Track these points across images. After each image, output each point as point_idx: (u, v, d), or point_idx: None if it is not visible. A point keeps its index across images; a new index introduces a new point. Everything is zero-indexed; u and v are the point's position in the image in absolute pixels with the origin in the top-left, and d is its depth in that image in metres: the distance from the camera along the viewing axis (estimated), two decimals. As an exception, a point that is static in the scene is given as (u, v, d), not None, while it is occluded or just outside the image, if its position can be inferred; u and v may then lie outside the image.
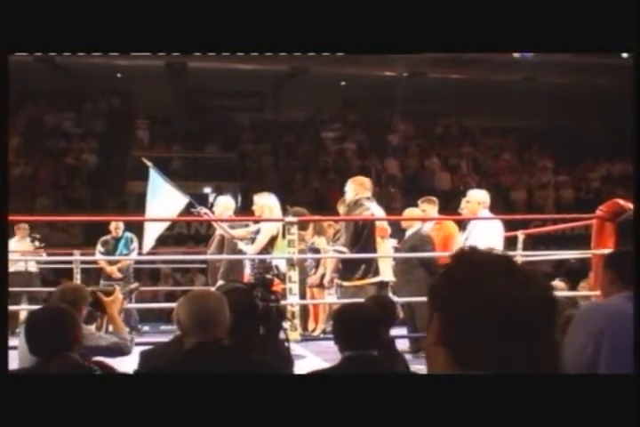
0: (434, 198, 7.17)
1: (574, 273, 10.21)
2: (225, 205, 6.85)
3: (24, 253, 9.48)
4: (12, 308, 8.19)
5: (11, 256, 9.25)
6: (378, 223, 6.24)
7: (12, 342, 5.31)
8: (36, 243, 9.41)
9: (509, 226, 7.03)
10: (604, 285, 2.67)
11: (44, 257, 9.62)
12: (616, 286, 2.57)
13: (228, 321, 2.49)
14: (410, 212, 7.14)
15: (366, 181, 6.37)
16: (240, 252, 6.23)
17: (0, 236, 2.74)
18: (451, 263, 1.16)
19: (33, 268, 9.31)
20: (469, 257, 1.16)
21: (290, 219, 6.11)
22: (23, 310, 7.57)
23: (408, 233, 6.88)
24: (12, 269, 9.20)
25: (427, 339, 1.15)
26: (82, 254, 9.19)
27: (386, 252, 6.43)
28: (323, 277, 7.17)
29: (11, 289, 9.01)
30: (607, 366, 2.31)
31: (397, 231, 7.56)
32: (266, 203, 6.21)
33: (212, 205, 6.98)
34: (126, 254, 8.69)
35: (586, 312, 2.58)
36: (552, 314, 1.11)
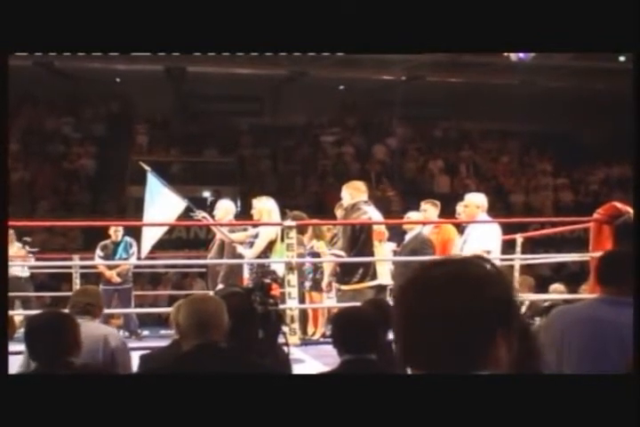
0: (437, 202, 7.18)
1: (574, 276, 10.21)
2: (226, 209, 6.85)
3: (12, 258, 9.43)
4: (16, 313, 8.22)
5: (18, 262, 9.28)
6: (375, 227, 6.24)
7: (10, 346, 5.30)
8: (27, 247, 9.37)
9: (508, 229, 7.03)
10: (590, 286, 2.72)
11: (43, 262, 9.60)
12: (598, 287, 2.57)
13: (226, 325, 2.49)
14: (411, 215, 7.15)
15: (360, 185, 6.38)
16: (240, 256, 6.24)
17: (0, 240, 2.74)
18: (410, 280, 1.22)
19: (21, 273, 9.26)
20: (429, 264, 1.21)
21: (288, 223, 6.11)
22: (18, 315, 7.56)
23: (408, 236, 6.88)
24: None
25: None
26: (81, 259, 9.18)
27: (383, 255, 6.43)
28: (320, 280, 7.16)
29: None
30: (569, 368, 2.32)
31: (396, 235, 7.56)
32: (264, 207, 6.22)
33: (212, 208, 6.98)
34: (125, 259, 8.69)
35: (551, 317, 2.59)
36: (501, 317, 1.14)
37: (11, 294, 8.84)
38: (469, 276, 1.15)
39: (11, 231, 9.33)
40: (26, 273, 9.32)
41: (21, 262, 9.33)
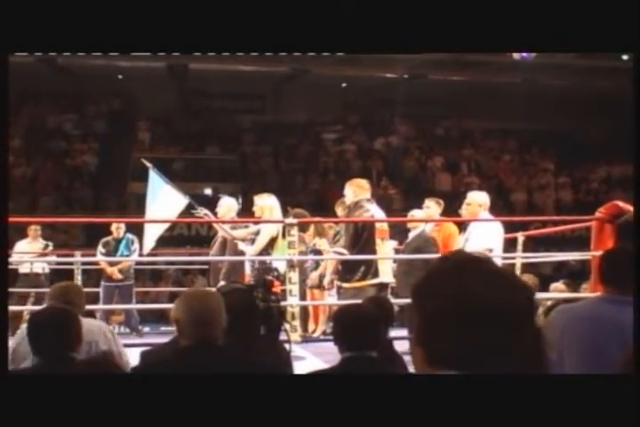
0: (441, 201, 7.20)
1: (576, 275, 10.22)
2: (228, 206, 6.86)
3: (34, 254, 9.54)
4: (16, 308, 8.27)
5: (21, 258, 9.37)
6: (378, 225, 6.24)
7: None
8: (50, 247, 9.49)
9: (509, 227, 7.04)
10: (592, 285, 2.72)
11: (45, 258, 9.64)
12: (600, 286, 2.58)
13: (224, 321, 2.49)
14: (415, 213, 7.16)
15: (364, 183, 6.38)
16: (242, 253, 6.25)
17: (0, 236, 2.74)
18: (434, 265, 1.19)
19: (39, 269, 9.36)
20: (451, 259, 1.19)
21: (290, 220, 6.12)
22: (27, 310, 7.59)
23: (411, 234, 6.89)
24: (20, 270, 9.34)
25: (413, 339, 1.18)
26: (83, 255, 9.20)
27: (386, 253, 6.43)
28: (322, 278, 7.17)
29: (18, 290, 9.16)
30: (569, 367, 2.32)
31: (398, 233, 7.57)
32: (266, 204, 6.23)
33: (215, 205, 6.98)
34: (127, 255, 8.70)
35: (552, 316, 2.60)
36: (531, 314, 1.13)
37: (26, 290, 9.02)
38: (506, 275, 1.14)
39: (37, 227, 9.43)
40: (46, 270, 9.43)
41: (30, 259, 9.41)
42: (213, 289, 3.68)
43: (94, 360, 2.86)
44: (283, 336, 3.50)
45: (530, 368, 1.11)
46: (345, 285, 6.14)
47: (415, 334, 1.14)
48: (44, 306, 3.76)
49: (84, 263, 8.86)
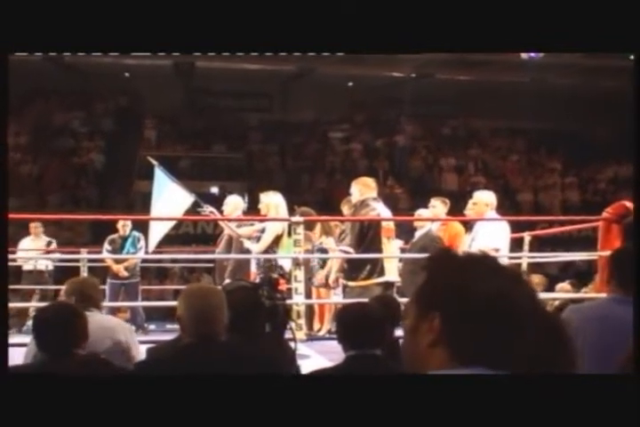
0: (447, 200, 7.20)
1: (582, 275, 10.20)
2: (234, 204, 6.87)
3: (37, 251, 9.59)
4: (21, 305, 8.32)
5: (25, 254, 9.44)
6: (384, 224, 6.24)
7: (19, 338, 5.34)
8: (53, 244, 9.54)
9: (516, 227, 7.03)
10: (605, 283, 2.69)
11: (51, 255, 9.69)
12: (610, 285, 2.56)
13: (225, 318, 2.48)
14: (422, 213, 7.16)
15: (370, 182, 6.38)
16: (248, 251, 6.25)
17: (0, 235, 2.74)
18: (444, 264, 1.18)
19: (42, 266, 9.41)
20: (460, 258, 1.19)
21: (296, 219, 6.12)
22: (32, 307, 7.64)
23: (418, 233, 6.88)
24: (24, 267, 9.41)
25: (416, 341, 1.16)
26: (89, 253, 9.23)
27: (392, 252, 6.43)
28: (328, 276, 7.17)
29: (22, 287, 9.22)
30: (580, 368, 2.31)
31: (404, 232, 7.56)
32: (271, 201, 6.23)
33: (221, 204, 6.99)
34: (133, 253, 8.72)
35: (565, 315, 2.59)
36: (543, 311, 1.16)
37: (30, 286, 9.09)
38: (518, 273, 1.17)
39: (37, 224, 9.49)
40: (50, 267, 9.49)
41: (34, 256, 9.45)
42: (214, 285, 3.68)
43: (97, 358, 2.86)
44: (288, 334, 3.50)
45: (548, 365, 1.12)
46: (350, 283, 6.14)
47: (435, 335, 1.13)
48: (49, 302, 3.76)
49: (90, 261, 8.88)
